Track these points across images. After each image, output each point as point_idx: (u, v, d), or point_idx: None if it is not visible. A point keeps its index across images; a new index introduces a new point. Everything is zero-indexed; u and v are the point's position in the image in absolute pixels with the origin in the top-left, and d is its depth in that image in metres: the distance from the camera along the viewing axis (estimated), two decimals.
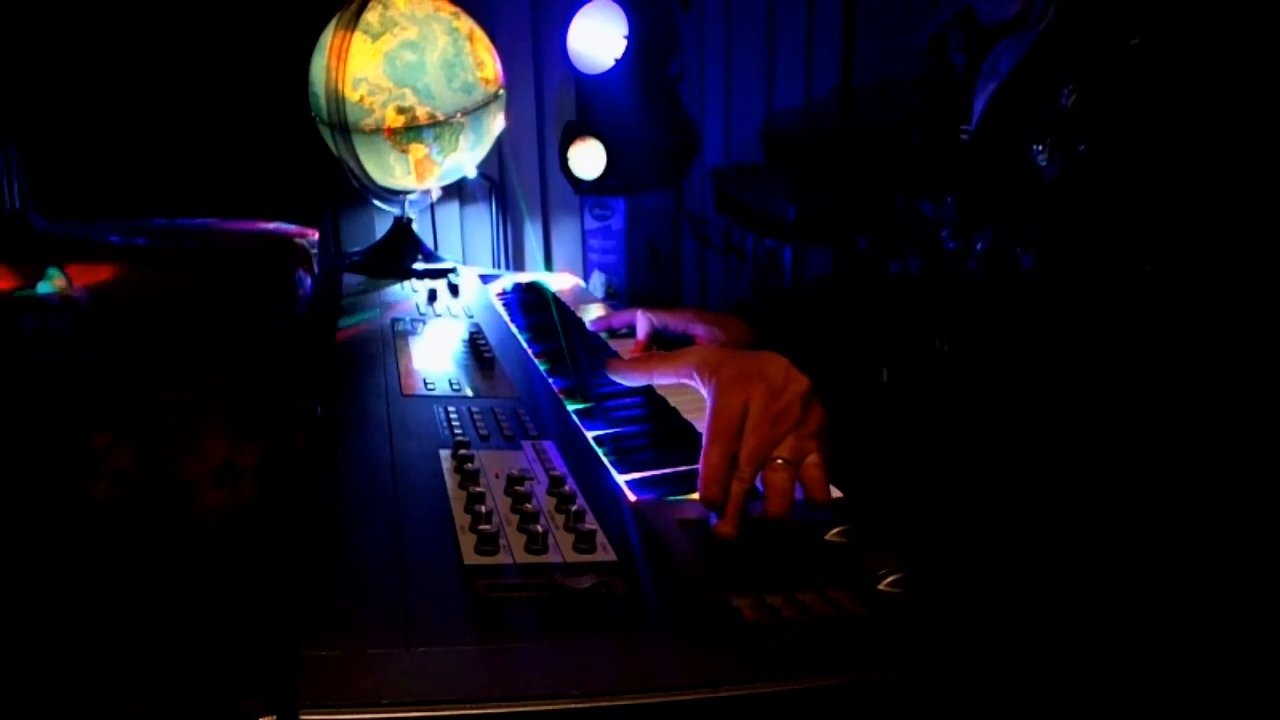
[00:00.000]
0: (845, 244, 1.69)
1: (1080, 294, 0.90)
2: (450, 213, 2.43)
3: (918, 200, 1.17)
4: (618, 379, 1.06)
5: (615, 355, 1.35)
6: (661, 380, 1.03)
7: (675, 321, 1.36)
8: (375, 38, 1.57)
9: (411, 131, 1.59)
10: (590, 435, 0.97)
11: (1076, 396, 0.89)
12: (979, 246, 1.03)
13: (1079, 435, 0.88)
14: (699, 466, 0.84)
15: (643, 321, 1.38)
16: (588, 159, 2.23)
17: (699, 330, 1.34)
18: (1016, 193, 0.98)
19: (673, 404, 1.12)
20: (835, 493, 0.87)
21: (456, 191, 2.39)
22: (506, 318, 1.46)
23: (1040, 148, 0.93)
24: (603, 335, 1.46)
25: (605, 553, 0.68)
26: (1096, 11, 0.93)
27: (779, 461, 0.85)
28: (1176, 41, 0.85)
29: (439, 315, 1.37)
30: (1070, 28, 0.97)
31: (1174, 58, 0.85)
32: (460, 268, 1.74)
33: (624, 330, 1.46)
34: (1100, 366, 0.88)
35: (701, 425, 1.04)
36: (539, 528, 0.68)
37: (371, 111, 1.57)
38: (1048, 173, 0.92)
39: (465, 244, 2.47)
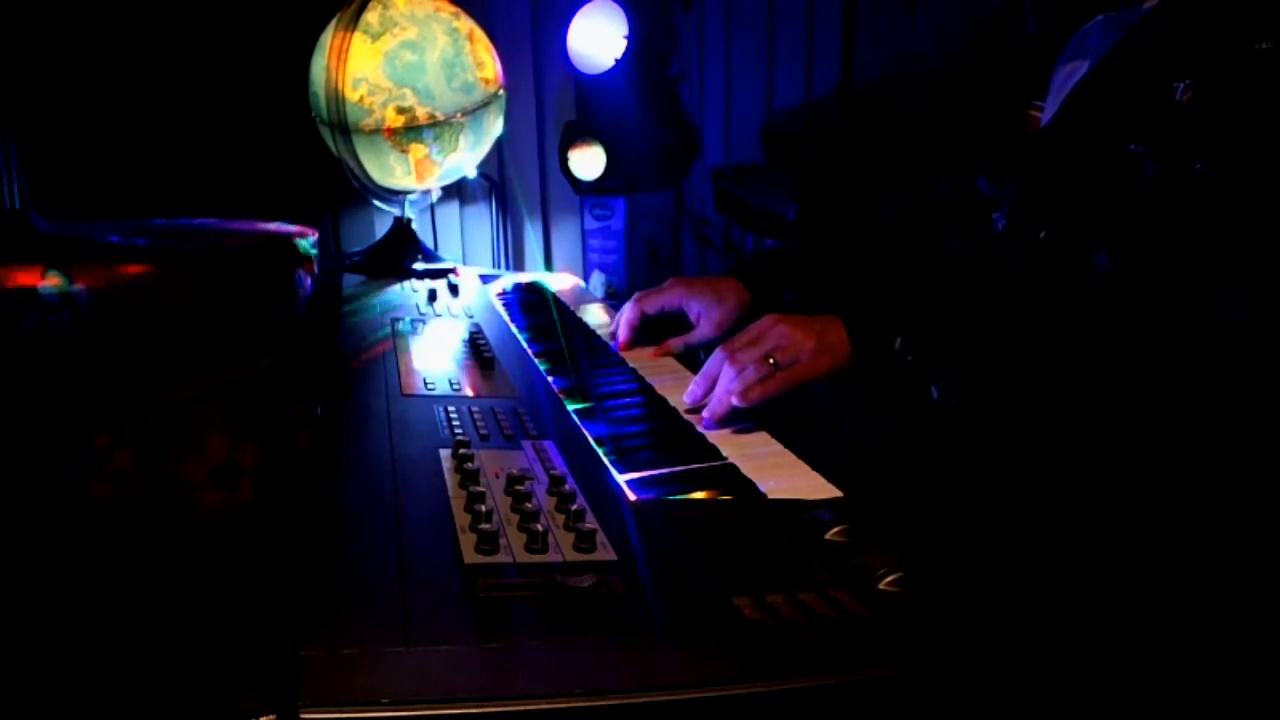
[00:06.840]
0: (865, 212, 1.65)
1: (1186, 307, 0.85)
2: (450, 213, 2.43)
3: (973, 175, 1.11)
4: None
5: (615, 353, 1.35)
6: None
7: (669, 299, 1.35)
8: (375, 38, 1.57)
9: (411, 131, 1.59)
10: (590, 435, 0.97)
11: (1099, 404, 0.87)
12: (1039, 235, 0.97)
13: (1077, 436, 0.87)
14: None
15: (632, 309, 1.37)
16: (587, 159, 2.23)
17: (695, 307, 1.33)
18: (1099, 188, 0.91)
19: (672, 404, 1.12)
20: (835, 491, 0.87)
21: (456, 191, 2.38)
22: (506, 318, 1.46)
23: (1139, 145, 0.86)
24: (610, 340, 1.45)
25: (605, 552, 0.68)
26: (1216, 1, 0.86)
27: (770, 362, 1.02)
28: None
29: (439, 315, 1.37)
30: (1184, 13, 0.89)
31: None
32: (460, 268, 1.74)
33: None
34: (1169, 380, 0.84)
35: (701, 426, 1.05)
36: (539, 527, 0.68)
37: (371, 111, 1.57)
38: (1146, 170, 0.86)
39: (465, 244, 2.47)
